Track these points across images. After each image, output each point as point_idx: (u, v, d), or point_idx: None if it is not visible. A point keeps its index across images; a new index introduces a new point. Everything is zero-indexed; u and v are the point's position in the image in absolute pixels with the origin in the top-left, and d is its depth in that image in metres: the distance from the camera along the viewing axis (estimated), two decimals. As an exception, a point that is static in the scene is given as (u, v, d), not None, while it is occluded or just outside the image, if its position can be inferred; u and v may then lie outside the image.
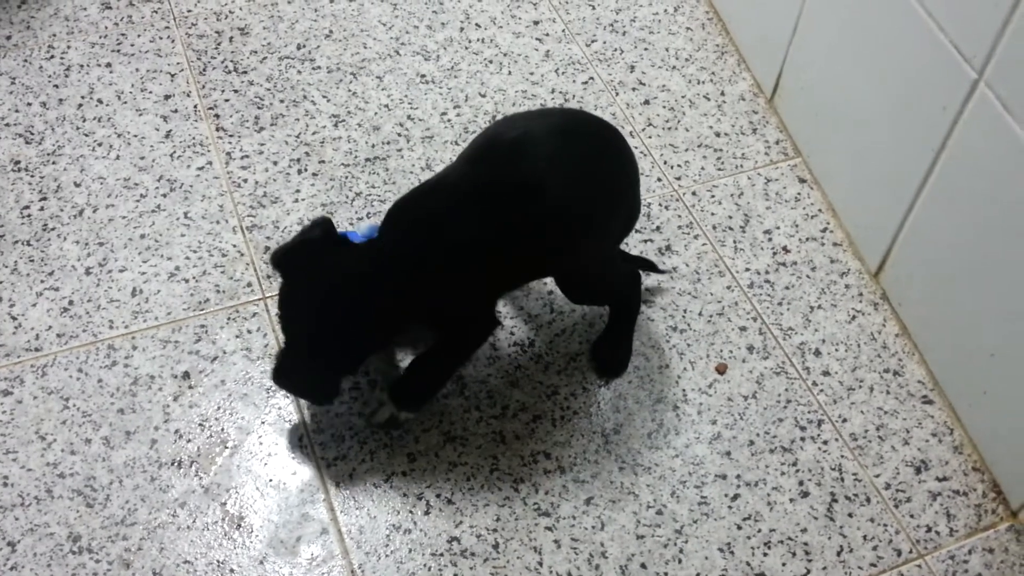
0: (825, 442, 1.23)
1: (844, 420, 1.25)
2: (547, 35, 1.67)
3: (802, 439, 1.23)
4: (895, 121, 1.30)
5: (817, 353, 1.31)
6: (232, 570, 1.09)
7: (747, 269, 1.39)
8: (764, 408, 1.25)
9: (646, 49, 1.66)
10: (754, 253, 1.41)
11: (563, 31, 1.68)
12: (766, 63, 1.59)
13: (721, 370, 1.28)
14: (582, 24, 1.69)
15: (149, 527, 1.12)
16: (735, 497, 1.18)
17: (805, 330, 1.33)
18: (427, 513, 1.15)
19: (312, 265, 1.11)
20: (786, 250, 1.41)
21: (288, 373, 1.12)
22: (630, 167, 1.20)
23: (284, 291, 1.13)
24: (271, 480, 1.16)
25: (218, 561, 1.10)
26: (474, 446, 1.20)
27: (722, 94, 1.61)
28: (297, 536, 1.12)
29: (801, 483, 1.20)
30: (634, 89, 1.60)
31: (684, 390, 1.26)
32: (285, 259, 1.12)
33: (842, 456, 1.22)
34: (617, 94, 1.59)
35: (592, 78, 1.61)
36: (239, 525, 1.13)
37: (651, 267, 1.34)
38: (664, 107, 1.58)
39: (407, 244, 1.10)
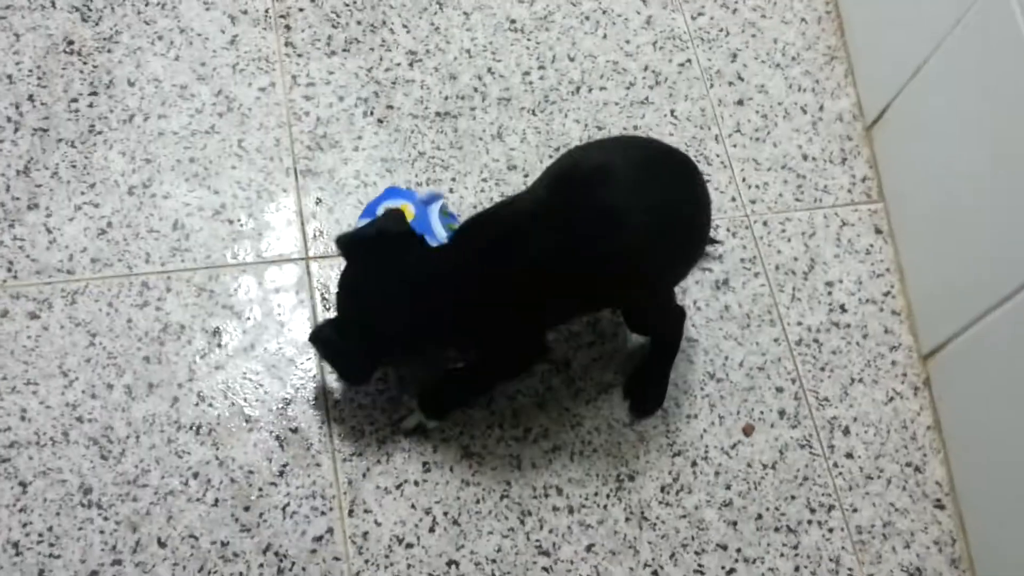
0: (831, 530, 1.24)
1: (855, 510, 1.25)
2: (653, -5, 1.54)
3: (809, 522, 1.24)
4: (998, 214, 1.22)
5: (846, 432, 1.29)
6: (236, 554, 1.12)
7: (799, 323, 1.35)
8: (780, 482, 1.25)
9: (753, 36, 1.54)
10: (810, 306, 1.36)
11: (671, -6, 1.54)
12: (877, 84, 1.48)
13: (747, 432, 1.27)
14: (692, -11, 1.55)
15: (160, 492, 1.13)
16: (730, 572, 1.20)
17: (840, 404, 1.31)
18: (432, 530, 1.16)
19: (379, 255, 1.08)
20: (843, 309, 1.36)
21: (328, 341, 1.11)
22: (707, 208, 1.15)
23: (347, 274, 1.11)
24: (286, 465, 1.16)
25: (222, 542, 1.12)
26: (489, 467, 1.20)
27: (820, 108, 1.50)
28: (302, 531, 1.14)
29: (797, 568, 1.21)
30: (731, 84, 1.49)
31: (707, 446, 1.26)
32: (353, 246, 1.10)
33: (843, 548, 1.23)
34: (712, 85, 1.49)
35: (690, 60, 1.50)
36: (247, 507, 1.14)
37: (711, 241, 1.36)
38: (757, 112, 1.48)
39: (476, 258, 1.08)
